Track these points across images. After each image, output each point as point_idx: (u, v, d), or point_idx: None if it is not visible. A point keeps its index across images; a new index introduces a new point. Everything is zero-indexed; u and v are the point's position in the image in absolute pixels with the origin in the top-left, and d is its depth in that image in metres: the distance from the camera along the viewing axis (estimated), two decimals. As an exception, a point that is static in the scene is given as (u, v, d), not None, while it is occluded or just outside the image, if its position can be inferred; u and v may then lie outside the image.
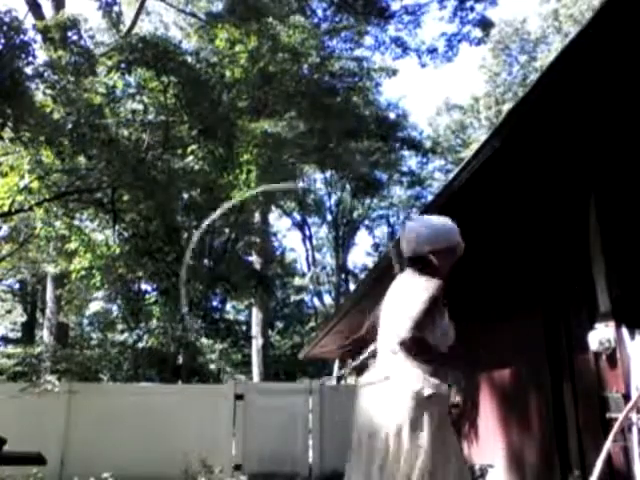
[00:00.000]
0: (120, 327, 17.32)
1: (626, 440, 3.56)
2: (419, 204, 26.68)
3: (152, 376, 16.26)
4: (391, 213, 30.15)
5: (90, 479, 7.82)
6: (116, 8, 12.45)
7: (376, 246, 30.02)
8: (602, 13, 2.80)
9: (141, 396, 9.96)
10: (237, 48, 15.28)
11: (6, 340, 22.99)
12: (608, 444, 3.25)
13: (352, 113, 18.92)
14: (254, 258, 19.56)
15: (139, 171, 8.42)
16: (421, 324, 2.34)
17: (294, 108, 16.94)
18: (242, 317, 26.43)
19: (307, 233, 29.13)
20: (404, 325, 2.33)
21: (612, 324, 3.92)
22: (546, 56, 24.48)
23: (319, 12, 20.21)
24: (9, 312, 24.31)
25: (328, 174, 26.17)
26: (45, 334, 14.20)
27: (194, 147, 9.74)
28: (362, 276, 23.32)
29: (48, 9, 13.19)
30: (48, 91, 8.28)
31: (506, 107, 24.07)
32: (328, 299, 28.34)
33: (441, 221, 2.70)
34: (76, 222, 10.21)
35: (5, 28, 7.47)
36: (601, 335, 3.96)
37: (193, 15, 18.44)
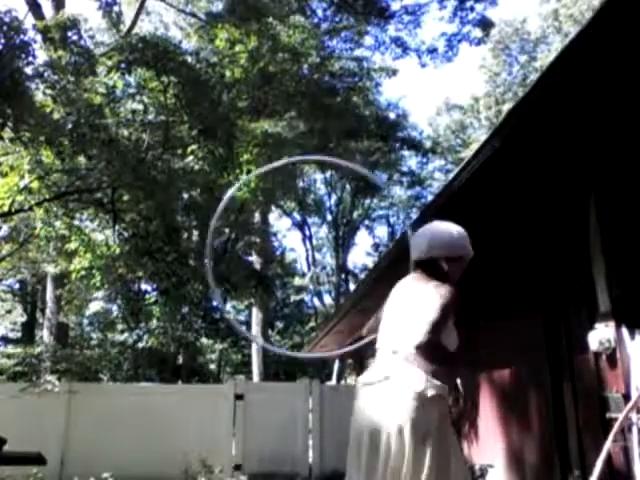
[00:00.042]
0: (120, 327, 17.35)
1: (626, 440, 3.56)
2: (419, 204, 26.69)
3: (152, 376, 16.29)
4: (391, 213, 30.17)
5: (90, 479, 7.82)
6: (116, 8, 12.45)
7: (376, 246, 30.03)
8: (602, 13, 2.80)
9: (141, 396, 9.96)
10: (237, 48, 15.28)
11: (6, 340, 23.00)
12: (608, 444, 3.25)
13: (352, 113, 18.92)
14: (254, 258, 19.57)
15: (139, 171, 8.41)
16: (439, 329, 2.38)
17: (294, 108, 16.94)
18: (242, 317, 26.44)
19: (307, 233, 29.15)
20: (423, 329, 2.36)
21: (612, 324, 3.92)
22: (546, 56, 24.49)
23: (319, 12, 20.23)
24: (9, 312, 24.31)
25: (328, 174, 26.17)
26: (45, 334, 14.20)
27: (194, 147, 9.73)
28: (362, 276, 23.33)
29: (48, 9, 13.19)
30: (48, 91, 8.27)
31: (506, 107, 24.07)
32: (328, 299, 28.37)
33: (456, 228, 2.73)
34: (76, 222, 10.20)
35: (5, 28, 7.47)
36: (601, 335, 3.96)
37: (193, 15, 18.45)
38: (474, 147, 6.10)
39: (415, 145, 25.53)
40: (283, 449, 9.59)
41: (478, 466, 5.89)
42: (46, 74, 8.30)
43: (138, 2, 15.87)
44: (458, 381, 2.62)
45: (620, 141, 3.91)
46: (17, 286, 23.43)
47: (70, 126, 7.98)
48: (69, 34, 8.92)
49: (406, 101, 52.90)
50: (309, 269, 28.54)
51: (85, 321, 20.86)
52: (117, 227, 9.57)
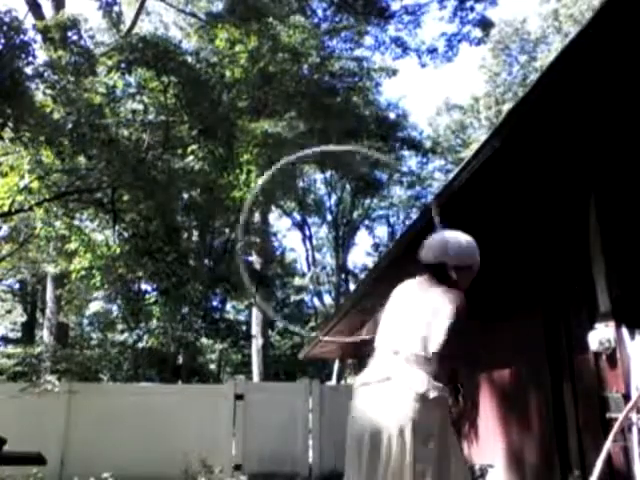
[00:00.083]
0: (120, 327, 17.34)
1: (626, 440, 3.56)
2: (419, 204, 26.69)
3: (152, 376, 16.28)
4: (391, 213, 30.16)
5: (90, 479, 7.83)
6: (116, 8, 12.44)
7: (376, 246, 30.03)
8: (602, 13, 2.80)
9: (141, 396, 9.97)
10: (237, 48, 15.28)
11: (6, 340, 22.99)
12: (608, 444, 3.25)
13: (352, 113, 18.93)
14: (254, 258, 19.57)
15: (139, 171, 8.42)
16: (454, 337, 2.44)
17: (294, 108, 16.94)
18: (242, 317, 26.44)
19: (307, 233, 29.14)
20: (442, 338, 2.41)
21: (612, 324, 3.92)
22: (546, 56, 24.48)
23: (319, 12, 20.23)
24: (9, 312, 24.31)
25: (328, 174, 26.16)
26: (45, 334, 14.19)
27: (194, 147, 9.74)
28: (362, 276, 23.32)
29: (48, 9, 13.19)
30: (48, 91, 8.27)
31: (506, 107, 24.08)
32: (328, 299, 28.36)
33: (467, 238, 2.76)
34: (76, 222, 10.21)
35: (5, 28, 7.47)
36: (601, 335, 3.96)
37: (193, 15, 18.44)
38: (474, 147, 6.10)
39: (415, 145, 25.54)
40: (283, 449, 9.60)
41: (478, 466, 5.89)
42: (46, 74, 8.30)
43: (138, 2, 15.86)
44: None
45: (620, 141, 3.91)
46: (17, 286, 23.43)
47: (70, 126, 7.98)
48: (69, 34, 8.91)
49: (406, 101, 52.93)
50: (309, 269, 28.55)
51: (85, 321, 20.86)
52: (117, 227, 9.57)
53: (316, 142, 17.64)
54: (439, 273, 2.66)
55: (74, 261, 10.24)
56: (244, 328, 23.93)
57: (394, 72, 19.75)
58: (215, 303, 20.27)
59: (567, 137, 3.91)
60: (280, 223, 29.44)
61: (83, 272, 10.24)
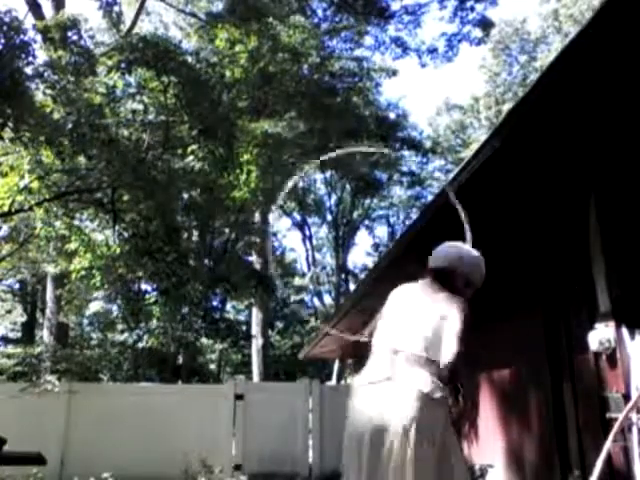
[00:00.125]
0: (120, 327, 17.33)
1: (626, 440, 3.56)
2: (419, 204, 26.68)
3: (152, 376, 16.27)
4: (391, 213, 30.16)
5: (90, 479, 7.82)
6: (116, 8, 12.43)
7: (376, 246, 30.03)
8: (602, 13, 2.80)
9: (141, 396, 9.96)
10: (237, 48, 15.28)
11: (6, 340, 22.99)
12: (608, 444, 3.25)
13: (352, 113, 18.91)
14: (254, 258, 19.57)
15: (139, 171, 8.41)
16: (464, 343, 2.49)
17: (294, 108, 16.94)
18: (242, 317, 26.44)
19: (307, 233, 29.14)
20: (455, 346, 2.44)
21: (612, 324, 3.92)
22: (546, 56, 24.48)
23: (319, 12, 20.23)
24: (9, 312, 24.30)
25: (328, 174, 26.16)
26: (45, 334, 14.19)
27: (194, 147, 9.72)
28: (362, 276, 23.32)
29: (48, 9, 13.18)
30: (48, 91, 8.26)
31: (506, 107, 24.07)
32: (328, 299, 28.37)
33: (478, 255, 2.83)
34: (76, 222, 10.20)
35: (5, 28, 7.46)
36: (601, 335, 3.96)
37: (193, 15, 18.43)
38: (474, 147, 6.10)
39: (415, 145, 25.51)
40: (283, 449, 9.59)
41: (478, 466, 5.90)
42: (46, 74, 8.29)
43: (138, 2, 15.86)
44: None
45: (620, 141, 3.91)
46: (17, 286, 23.42)
47: (70, 126, 7.97)
48: (69, 34, 8.90)
49: (406, 101, 52.94)
50: (309, 269, 28.55)
51: (85, 321, 20.85)
52: (117, 227, 9.56)
53: (316, 142, 17.68)
54: (446, 279, 2.69)
55: (74, 261, 10.24)
56: (244, 328, 23.93)
57: (394, 72, 19.75)
58: (215, 303, 20.26)
59: (567, 137, 3.91)
60: (280, 223, 29.48)
61: (83, 272, 10.24)
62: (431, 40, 21.40)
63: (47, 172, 8.71)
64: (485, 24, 19.49)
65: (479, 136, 25.76)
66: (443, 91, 56.62)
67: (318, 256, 30.03)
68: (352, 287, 25.90)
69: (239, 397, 9.89)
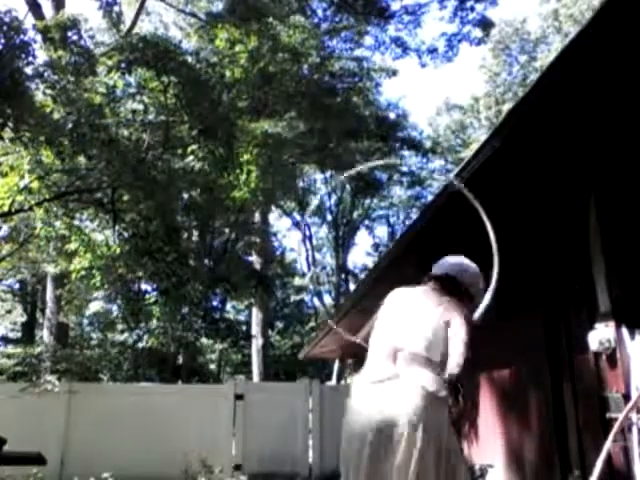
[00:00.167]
0: (120, 327, 17.33)
1: (626, 440, 3.55)
2: (419, 204, 26.68)
3: (152, 376, 16.28)
4: (391, 213, 30.14)
5: (90, 479, 7.83)
6: (116, 8, 12.42)
7: (376, 246, 30.02)
8: (602, 13, 2.80)
9: (141, 396, 9.97)
10: (237, 48, 15.27)
11: (6, 340, 22.98)
12: (608, 444, 3.25)
13: (352, 113, 18.91)
14: (254, 258, 19.57)
15: (139, 171, 8.41)
16: (469, 348, 2.54)
17: (294, 108, 16.93)
18: (242, 317, 26.43)
19: (307, 233, 29.13)
20: (463, 353, 2.49)
21: (612, 324, 3.92)
22: (546, 56, 24.48)
23: (319, 12, 20.23)
24: (9, 312, 24.30)
25: (328, 174, 26.15)
26: (45, 334, 14.19)
27: (194, 147, 9.73)
28: (362, 276, 23.32)
29: (48, 9, 13.19)
30: (48, 91, 8.26)
31: (506, 107, 24.07)
32: (328, 299, 28.35)
33: (478, 271, 2.97)
34: (76, 222, 10.20)
35: (5, 28, 7.46)
36: (601, 335, 3.96)
37: (193, 15, 18.44)
38: (474, 147, 6.10)
39: (415, 145, 25.51)
40: (283, 449, 9.60)
41: (478, 466, 5.89)
42: (46, 74, 8.29)
43: (138, 2, 15.86)
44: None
45: (620, 141, 3.91)
46: (17, 286, 23.42)
47: (70, 126, 7.98)
48: (69, 34, 8.91)
49: (406, 101, 52.88)
50: (309, 269, 28.54)
51: (85, 321, 20.86)
52: (117, 227, 9.56)
53: (316, 142, 17.69)
54: (450, 285, 2.75)
55: (74, 261, 10.24)
56: (244, 328, 23.93)
57: (394, 72, 19.74)
58: (215, 303, 20.27)
59: (567, 137, 3.91)
60: (280, 223, 29.47)
61: (83, 272, 10.24)
62: (431, 40, 21.44)
63: (47, 172, 8.71)
64: (485, 24, 19.50)
65: (479, 136, 25.76)
66: (443, 91, 56.65)
67: (318, 256, 30.03)
68: (352, 287, 25.91)
69: (239, 397, 9.90)
